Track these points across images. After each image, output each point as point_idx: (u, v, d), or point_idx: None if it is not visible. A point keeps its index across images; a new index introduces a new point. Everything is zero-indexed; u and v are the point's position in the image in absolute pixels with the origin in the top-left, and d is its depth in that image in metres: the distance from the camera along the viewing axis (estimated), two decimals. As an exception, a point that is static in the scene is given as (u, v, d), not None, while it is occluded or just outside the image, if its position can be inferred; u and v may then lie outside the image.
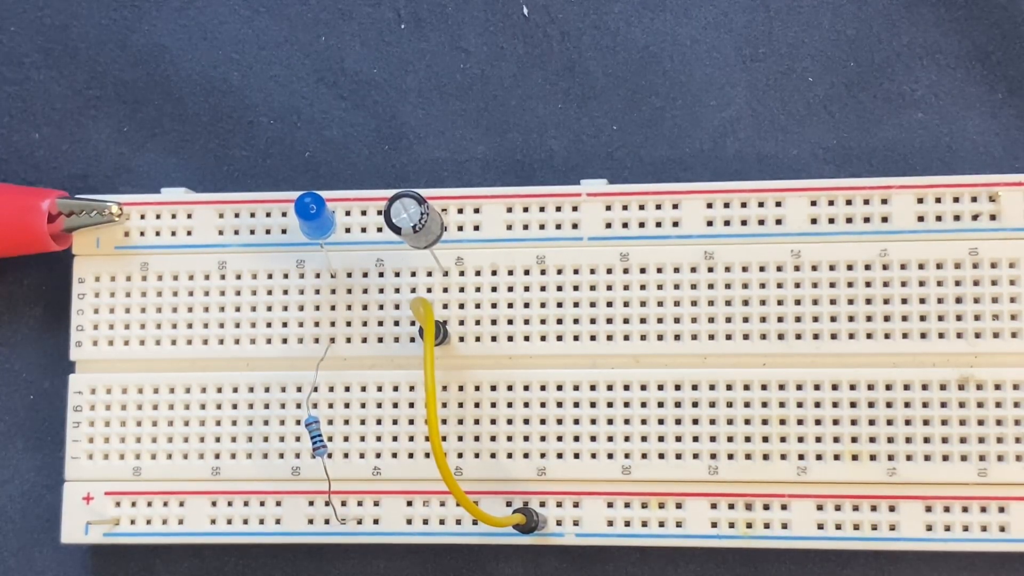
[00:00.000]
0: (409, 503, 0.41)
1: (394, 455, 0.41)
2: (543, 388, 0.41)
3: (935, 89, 0.43)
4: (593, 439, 0.40)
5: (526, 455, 0.41)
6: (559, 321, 0.41)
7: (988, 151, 0.43)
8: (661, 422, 0.40)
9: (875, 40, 0.44)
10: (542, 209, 0.41)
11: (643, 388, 0.40)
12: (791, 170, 0.43)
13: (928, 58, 0.43)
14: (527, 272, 0.41)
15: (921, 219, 0.40)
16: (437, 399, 0.36)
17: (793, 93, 0.44)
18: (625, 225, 0.41)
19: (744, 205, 0.40)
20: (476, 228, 0.42)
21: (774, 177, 0.43)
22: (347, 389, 0.41)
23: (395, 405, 0.41)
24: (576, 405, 0.41)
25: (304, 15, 0.46)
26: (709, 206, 0.41)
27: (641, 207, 0.41)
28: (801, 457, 0.39)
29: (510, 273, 0.41)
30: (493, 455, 0.41)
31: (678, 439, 0.40)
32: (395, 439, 0.41)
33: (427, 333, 0.36)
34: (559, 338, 0.41)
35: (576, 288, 0.41)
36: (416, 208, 0.35)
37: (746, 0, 0.44)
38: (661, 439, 0.40)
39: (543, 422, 0.41)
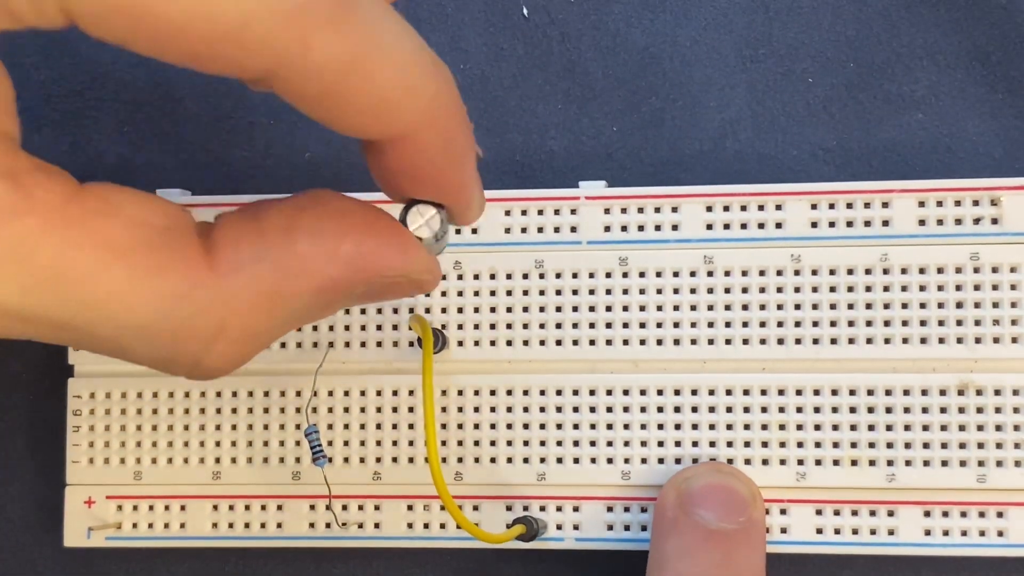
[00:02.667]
0: (410, 507, 0.41)
1: (394, 459, 0.41)
2: (542, 393, 0.41)
3: (935, 90, 0.43)
4: (593, 444, 0.40)
5: (526, 460, 0.41)
6: (558, 326, 0.41)
7: (988, 152, 0.43)
8: (660, 427, 0.40)
9: (875, 41, 0.44)
10: (540, 212, 0.41)
11: (642, 393, 0.40)
12: (791, 171, 0.43)
13: (928, 59, 0.43)
14: (526, 276, 0.41)
15: (922, 223, 0.40)
16: (436, 422, 0.36)
17: (793, 94, 0.44)
18: (624, 229, 0.41)
19: (744, 208, 0.40)
20: (474, 232, 0.41)
21: (774, 178, 0.43)
22: (346, 394, 0.41)
23: (395, 410, 0.41)
24: (575, 410, 0.40)
25: (303, 17, 0.46)
26: (709, 209, 0.41)
27: (640, 210, 0.41)
28: (800, 462, 0.39)
29: (508, 277, 0.41)
30: (493, 460, 0.41)
31: (677, 444, 0.40)
32: (395, 443, 0.41)
33: (426, 351, 0.36)
34: (558, 343, 0.41)
35: (575, 292, 0.41)
36: (434, 214, 0.32)
37: (746, 1, 0.44)
38: (660, 444, 0.40)
39: (542, 427, 0.41)
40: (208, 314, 0.23)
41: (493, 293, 0.41)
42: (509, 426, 0.41)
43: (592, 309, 0.41)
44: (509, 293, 0.41)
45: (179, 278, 0.23)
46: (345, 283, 0.25)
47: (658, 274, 0.40)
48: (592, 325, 0.41)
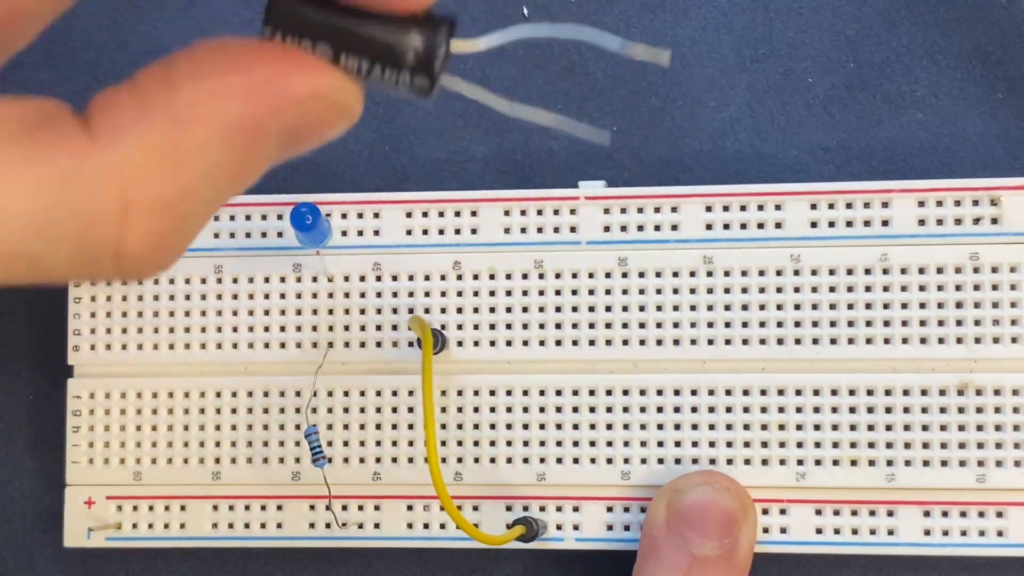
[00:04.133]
0: (409, 507, 0.41)
1: (394, 460, 0.41)
2: (542, 393, 0.41)
3: (935, 89, 0.43)
4: (592, 444, 0.40)
5: (525, 460, 0.41)
6: (558, 326, 0.41)
7: (988, 151, 0.43)
8: (660, 427, 0.40)
9: (875, 40, 0.44)
10: (540, 212, 0.41)
11: (642, 393, 0.40)
12: (791, 171, 0.43)
13: (928, 58, 0.43)
14: (525, 276, 0.41)
15: (922, 223, 0.40)
16: (435, 422, 0.36)
17: (793, 94, 0.44)
18: (624, 229, 0.41)
19: (744, 208, 0.40)
20: (474, 231, 0.41)
21: (774, 178, 0.43)
22: (346, 394, 0.41)
23: (394, 410, 0.41)
24: (575, 410, 0.40)
25: (303, 17, 0.46)
26: (708, 209, 0.41)
27: (640, 210, 0.41)
28: (800, 462, 0.39)
29: (508, 277, 0.41)
30: (493, 460, 0.41)
31: (677, 444, 0.40)
32: (395, 444, 0.41)
33: (425, 352, 0.36)
34: (558, 343, 0.41)
35: (574, 292, 0.41)
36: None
37: (746, 1, 0.44)
38: (660, 444, 0.40)
39: (542, 427, 0.41)
40: (105, 188, 0.21)
41: (493, 293, 0.41)
42: (509, 426, 0.41)
43: (592, 309, 0.41)
44: (509, 293, 0.41)
45: (60, 158, 0.20)
46: (251, 121, 0.22)
47: (658, 274, 0.40)
48: (592, 325, 0.41)
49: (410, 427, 0.41)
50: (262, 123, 0.22)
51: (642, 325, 0.40)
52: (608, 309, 0.41)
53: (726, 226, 0.40)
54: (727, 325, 0.40)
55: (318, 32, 0.22)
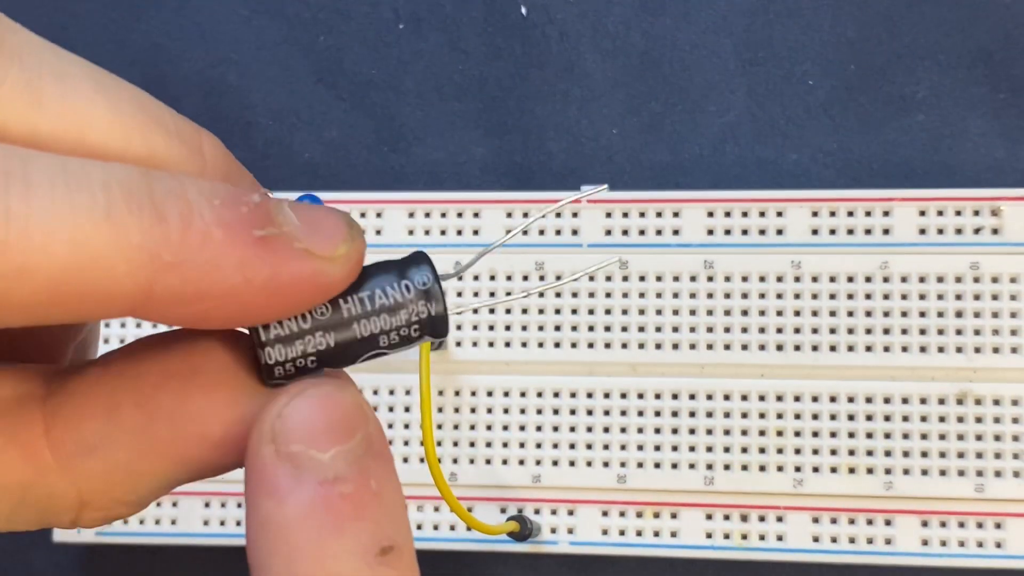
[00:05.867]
0: (404, 508, 0.41)
1: (389, 460, 0.41)
2: (540, 395, 0.41)
3: (936, 91, 0.43)
4: (589, 447, 0.40)
5: (521, 462, 0.41)
6: (557, 327, 0.41)
7: (990, 152, 0.43)
8: (657, 431, 0.40)
9: (876, 42, 0.43)
10: (543, 215, 0.41)
11: (640, 397, 0.40)
12: (791, 175, 0.43)
13: (930, 59, 0.43)
14: (526, 278, 0.41)
15: (923, 232, 0.40)
16: (433, 422, 0.36)
17: (793, 97, 0.44)
18: (625, 232, 0.41)
19: (745, 214, 0.40)
20: (475, 232, 0.41)
21: (774, 182, 0.43)
22: (343, 393, 0.41)
23: (391, 409, 0.41)
24: (572, 412, 0.40)
25: (302, 15, 0.46)
26: (710, 215, 0.40)
27: (641, 215, 0.41)
28: (798, 469, 0.39)
29: (508, 278, 0.41)
30: (488, 461, 0.41)
31: (674, 449, 0.40)
32: (390, 443, 0.41)
33: (424, 350, 0.36)
34: (557, 345, 0.41)
35: (575, 295, 0.41)
36: None
37: (746, 4, 0.44)
38: (657, 448, 0.40)
39: (539, 429, 0.40)
40: (63, 495, 0.21)
41: (493, 294, 0.41)
42: (505, 427, 0.41)
43: (591, 312, 0.41)
44: (509, 294, 0.41)
45: (20, 468, 0.21)
46: (215, 463, 0.22)
47: (658, 278, 0.40)
48: (591, 328, 0.41)
49: (406, 427, 0.41)
50: (228, 463, 0.22)
51: (642, 329, 0.40)
52: (608, 312, 0.41)
53: (727, 231, 0.40)
54: (727, 330, 0.40)
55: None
